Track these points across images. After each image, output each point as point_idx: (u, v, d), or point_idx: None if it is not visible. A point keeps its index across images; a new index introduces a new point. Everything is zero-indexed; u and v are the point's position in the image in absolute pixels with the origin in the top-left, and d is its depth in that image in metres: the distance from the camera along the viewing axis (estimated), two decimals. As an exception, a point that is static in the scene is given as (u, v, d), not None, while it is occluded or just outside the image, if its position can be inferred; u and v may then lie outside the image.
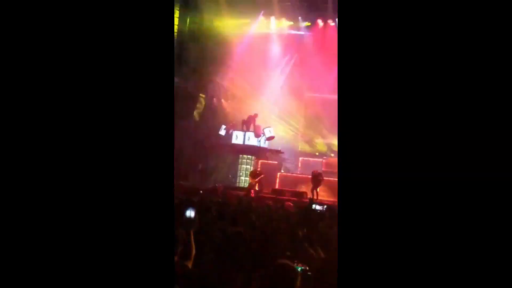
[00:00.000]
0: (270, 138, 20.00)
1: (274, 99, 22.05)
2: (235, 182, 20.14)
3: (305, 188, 19.80)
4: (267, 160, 20.94)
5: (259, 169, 19.22)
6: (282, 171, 21.08)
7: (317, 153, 22.33)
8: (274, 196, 17.85)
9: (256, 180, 19.00)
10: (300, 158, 21.95)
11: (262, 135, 19.88)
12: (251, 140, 20.04)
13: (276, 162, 20.77)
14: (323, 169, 20.55)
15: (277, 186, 19.80)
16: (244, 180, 20.30)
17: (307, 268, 3.13)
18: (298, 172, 20.94)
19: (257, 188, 19.05)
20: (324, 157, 21.90)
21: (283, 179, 20.43)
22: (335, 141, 21.79)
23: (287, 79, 22.40)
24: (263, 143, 20.09)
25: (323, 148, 22.80)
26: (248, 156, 20.36)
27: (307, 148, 23.07)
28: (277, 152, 20.86)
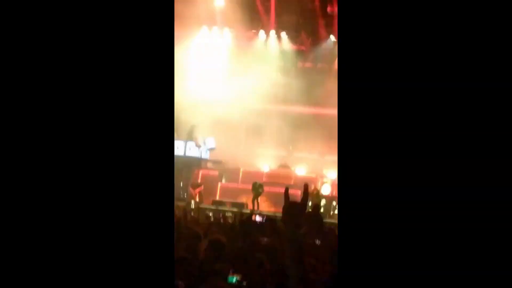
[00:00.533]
0: (211, 149, 19.76)
1: (217, 109, 21.83)
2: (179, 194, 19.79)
3: (245, 199, 19.80)
4: (208, 171, 20.75)
5: (199, 180, 19.02)
6: (224, 181, 20.93)
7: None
8: (215, 207, 17.76)
9: (196, 191, 18.78)
10: (241, 169, 21.80)
11: (203, 145, 19.64)
12: (192, 150, 19.77)
13: (216, 173, 20.57)
14: (264, 179, 20.62)
15: (217, 197, 19.69)
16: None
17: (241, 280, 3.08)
18: (239, 183, 20.87)
19: (197, 199, 18.80)
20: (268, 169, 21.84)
21: (224, 190, 20.37)
22: (278, 152, 21.85)
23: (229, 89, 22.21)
24: (205, 154, 19.81)
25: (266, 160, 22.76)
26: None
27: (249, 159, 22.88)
28: (218, 162, 20.64)
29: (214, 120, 21.36)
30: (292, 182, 19.17)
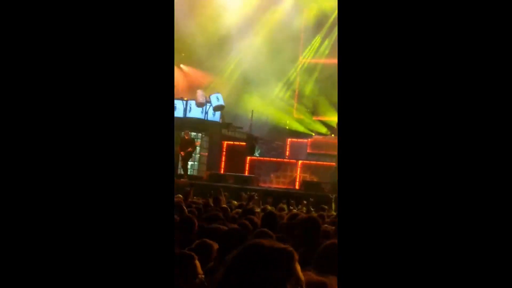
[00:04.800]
0: (218, 108, 14.79)
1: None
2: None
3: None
4: (233, 141, 15.86)
5: (187, 136, 14.11)
6: (257, 155, 16.00)
7: (313, 134, 17.12)
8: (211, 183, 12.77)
9: (187, 151, 13.94)
10: (289, 140, 16.73)
11: (207, 103, 14.77)
12: (194, 111, 15.01)
13: (243, 144, 15.64)
14: (308, 150, 15.79)
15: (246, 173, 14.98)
16: (190, 166, 15.22)
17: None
18: (286, 157, 15.90)
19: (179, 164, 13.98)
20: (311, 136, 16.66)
21: (256, 165, 15.36)
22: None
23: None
24: (212, 115, 14.96)
25: (321, 128, 17.27)
26: (193, 134, 15.24)
27: (299, 127, 17.63)
28: (232, 127, 15.67)
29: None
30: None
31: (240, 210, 6.14)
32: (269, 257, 1.85)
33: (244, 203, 7.66)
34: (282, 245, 1.93)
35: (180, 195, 7.39)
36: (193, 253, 3.10)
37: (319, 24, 17.16)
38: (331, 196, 9.39)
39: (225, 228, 3.81)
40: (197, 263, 3.00)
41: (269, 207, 7.16)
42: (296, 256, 1.89)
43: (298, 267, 1.87)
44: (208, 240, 3.41)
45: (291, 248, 1.92)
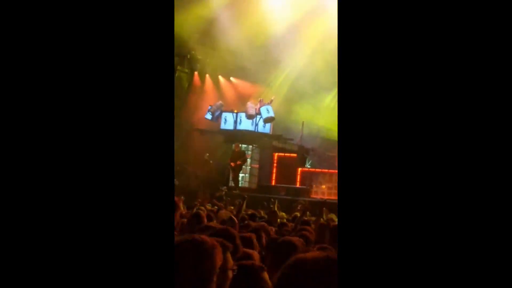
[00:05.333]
0: (268, 120, 14.74)
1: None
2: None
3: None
4: (283, 153, 15.80)
5: (237, 148, 14.16)
6: (308, 166, 15.92)
7: None
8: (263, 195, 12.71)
9: (237, 164, 13.99)
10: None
11: (257, 115, 14.74)
12: (244, 123, 14.99)
13: (294, 155, 15.56)
14: None
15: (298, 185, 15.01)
16: (241, 178, 15.22)
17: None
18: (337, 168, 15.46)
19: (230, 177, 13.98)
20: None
21: (307, 177, 15.32)
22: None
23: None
24: (262, 127, 14.92)
25: None
26: (244, 146, 15.24)
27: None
28: (283, 138, 15.59)
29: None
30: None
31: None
32: (313, 269, 1.89)
33: (298, 214, 7.54)
34: (323, 254, 1.97)
35: (232, 207, 7.33)
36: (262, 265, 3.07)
37: None
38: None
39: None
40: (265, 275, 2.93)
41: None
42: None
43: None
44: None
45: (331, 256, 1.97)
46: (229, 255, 2.63)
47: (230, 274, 2.60)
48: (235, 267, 2.65)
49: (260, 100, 15.36)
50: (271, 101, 15.27)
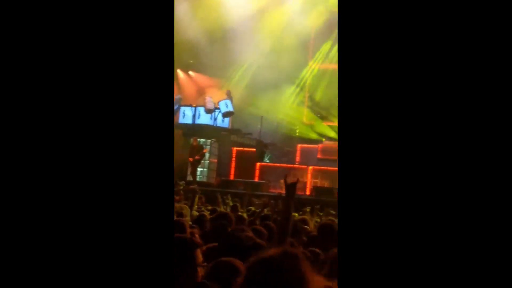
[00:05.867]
0: (227, 114, 14.78)
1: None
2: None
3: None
4: (242, 147, 15.96)
5: (195, 143, 14.22)
6: (267, 160, 16.21)
7: (323, 139, 17.21)
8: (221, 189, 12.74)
9: (195, 158, 14.02)
10: (299, 146, 16.92)
11: (215, 109, 14.75)
12: (203, 117, 14.99)
13: (253, 150, 15.84)
14: (318, 156, 16.01)
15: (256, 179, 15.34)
16: (199, 173, 15.23)
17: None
18: (296, 163, 16.09)
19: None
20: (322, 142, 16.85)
21: (266, 171, 15.66)
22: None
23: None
24: (221, 121, 14.95)
25: (331, 133, 17.25)
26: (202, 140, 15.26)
27: (309, 132, 17.69)
28: (241, 133, 15.76)
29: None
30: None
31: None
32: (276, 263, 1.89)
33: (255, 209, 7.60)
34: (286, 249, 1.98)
35: (186, 202, 7.32)
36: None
37: (328, 28, 17.11)
38: None
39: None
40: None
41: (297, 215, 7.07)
42: (302, 256, 1.94)
43: (307, 268, 1.89)
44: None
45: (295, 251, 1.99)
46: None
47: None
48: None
49: (227, 92, 15.46)
50: (228, 92, 15.36)
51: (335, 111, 16.99)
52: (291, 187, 3.09)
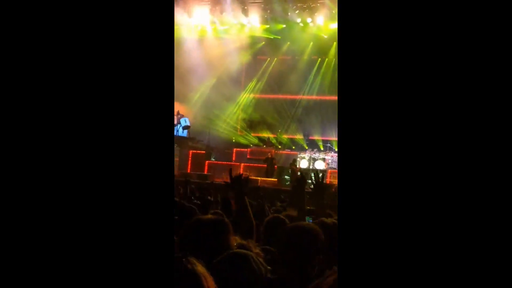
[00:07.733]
0: (185, 128, 20.37)
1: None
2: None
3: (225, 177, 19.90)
4: (196, 150, 21.11)
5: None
6: (213, 159, 20.57)
7: (251, 145, 21.59)
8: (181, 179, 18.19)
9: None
10: (235, 149, 21.79)
11: (177, 124, 20.22)
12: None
13: (203, 152, 20.87)
14: (248, 156, 20.50)
15: (205, 172, 19.14)
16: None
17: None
18: (233, 161, 20.31)
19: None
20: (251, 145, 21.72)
21: (212, 167, 19.87)
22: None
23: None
24: (182, 133, 20.39)
25: (256, 141, 22.50)
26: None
27: (242, 140, 22.87)
28: (195, 140, 21.08)
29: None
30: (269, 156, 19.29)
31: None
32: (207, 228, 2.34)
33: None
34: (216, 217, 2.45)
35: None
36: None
37: (254, 68, 23.28)
38: None
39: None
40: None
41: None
42: (230, 227, 2.33)
43: (233, 237, 2.28)
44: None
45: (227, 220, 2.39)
46: None
47: None
48: None
49: (177, 112, 20.45)
50: (177, 112, 20.06)
51: (259, 125, 22.80)
52: (236, 179, 3.58)
